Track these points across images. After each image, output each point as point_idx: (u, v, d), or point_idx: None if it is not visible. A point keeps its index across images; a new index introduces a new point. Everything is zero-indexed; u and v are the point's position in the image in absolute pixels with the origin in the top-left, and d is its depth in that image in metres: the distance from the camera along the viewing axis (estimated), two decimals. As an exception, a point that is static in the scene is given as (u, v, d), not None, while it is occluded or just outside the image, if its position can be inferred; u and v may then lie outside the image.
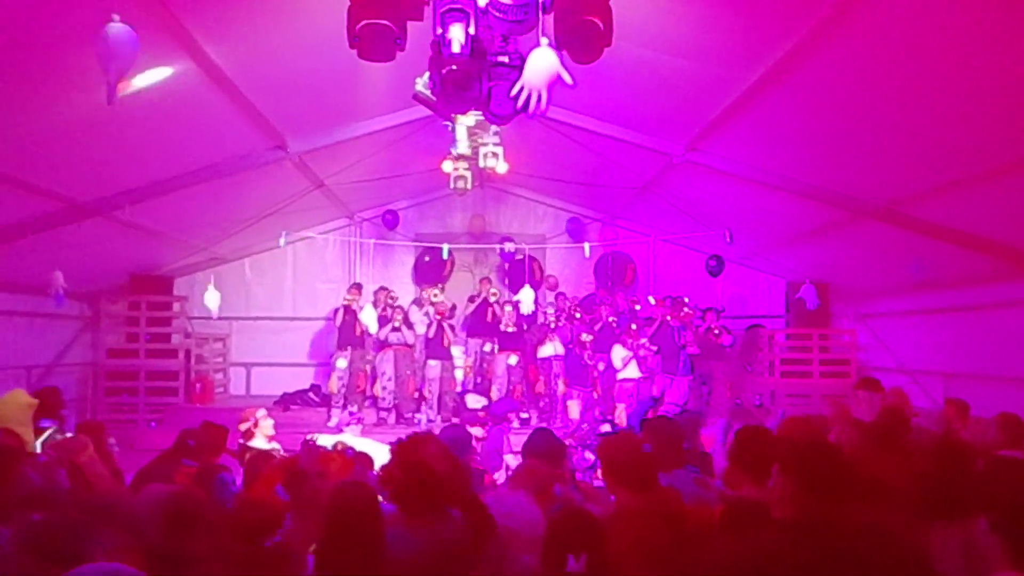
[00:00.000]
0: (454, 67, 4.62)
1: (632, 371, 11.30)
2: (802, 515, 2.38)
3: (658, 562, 2.91)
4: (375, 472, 5.52)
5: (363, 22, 4.51)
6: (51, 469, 3.89)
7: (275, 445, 6.10)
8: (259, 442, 5.94)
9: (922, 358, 11.17)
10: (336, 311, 12.10)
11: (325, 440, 6.25)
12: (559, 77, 3.94)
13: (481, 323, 12.48)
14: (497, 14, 3.99)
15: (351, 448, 5.71)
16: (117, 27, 3.11)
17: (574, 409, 11.55)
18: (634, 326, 11.60)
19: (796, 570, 2.20)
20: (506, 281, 13.57)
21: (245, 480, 4.61)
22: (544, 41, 3.94)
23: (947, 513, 3.13)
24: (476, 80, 4.65)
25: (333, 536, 2.90)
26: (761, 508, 2.58)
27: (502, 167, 8.31)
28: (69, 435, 5.51)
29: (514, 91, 3.97)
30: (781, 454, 2.51)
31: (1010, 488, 2.19)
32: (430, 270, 13.42)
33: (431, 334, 11.85)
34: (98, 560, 2.73)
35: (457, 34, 4.03)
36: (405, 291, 13.40)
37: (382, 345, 11.94)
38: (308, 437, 4.76)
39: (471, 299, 12.78)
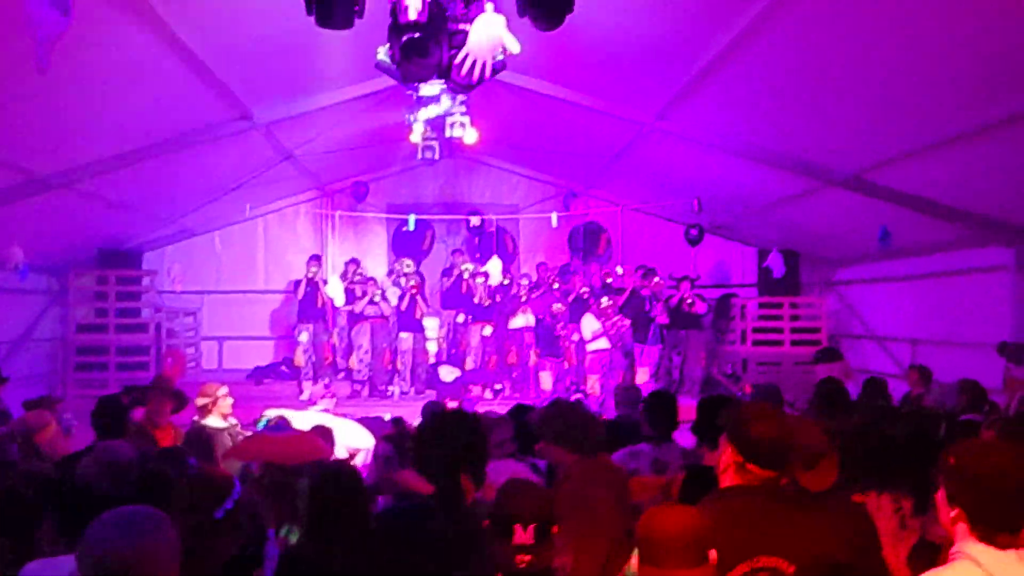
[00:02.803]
0: (416, 35, 4.55)
1: (601, 343, 11.35)
2: (741, 483, 2.41)
3: (602, 527, 2.94)
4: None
5: (320, -12, 4.44)
6: (3, 443, 3.86)
7: (233, 422, 6.03)
8: (214, 420, 5.85)
9: (890, 324, 11.30)
10: (297, 284, 12.05)
11: (290, 415, 6.24)
12: (504, 44, 3.90)
13: (456, 295, 12.46)
14: (452, -21, 3.94)
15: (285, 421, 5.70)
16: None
17: (546, 380, 11.59)
18: (606, 300, 11.60)
19: (729, 535, 2.23)
20: (477, 255, 13.52)
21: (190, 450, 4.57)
22: (489, 8, 3.89)
23: (886, 479, 3.17)
24: (436, 47, 4.58)
25: (319, 519, 2.96)
26: (711, 475, 2.60)
27: (470, 137, 8.22)
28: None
29: (458, 59, 3.92)
30: (724, 423, 2.52)
31: (966, 454, 2.19)
32: (408, 241, 13.33)
33: (404, 306, 11.82)
34: (45, 533, 2.73)
35: (414, 1, 3.96)
36: (377, 263, 13.34)
37: (358, 318, 11.91)
38: (266, 411, 4.75)
39: (445, 273, 12.72)
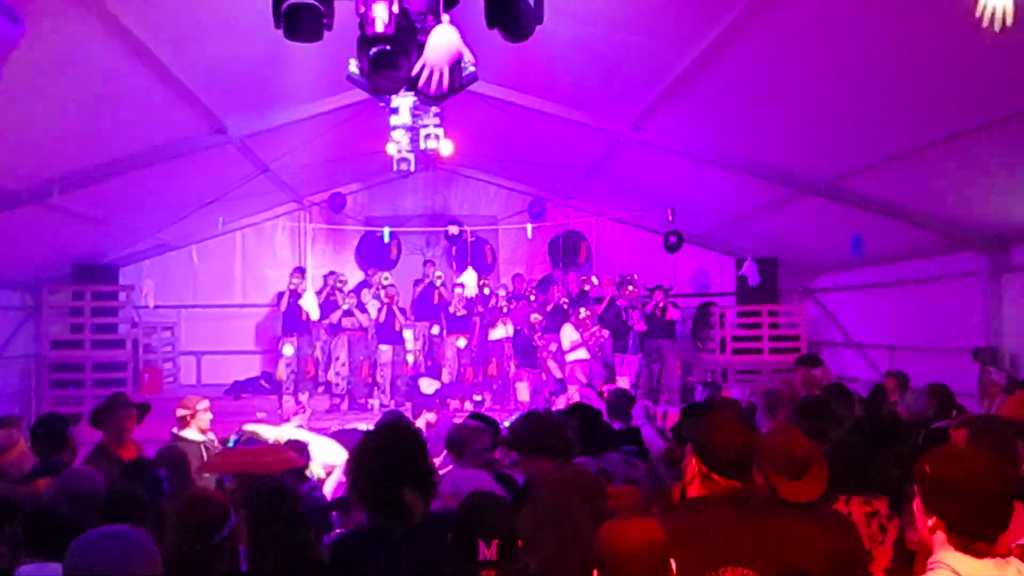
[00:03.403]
0: (385, 47, 4.52)
1: (580, 353, 11.35)
2: (709, 493, 2.39)
3: (578, 537, 2.91)
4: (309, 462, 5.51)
5: (289, 1, 4.41)
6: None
7: (210, 436, 6.00)
8: (191, 433, 5.83)
9: (869, 331, 11.36)
10: (280, 296, 11.98)
11: (266, 430, 6.19)
12: (461, 55, 3.90)
13: (428, 306, 12.42)
14: (416, -10, 3.92)
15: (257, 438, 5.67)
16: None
17: (523, 391, 11.56)
18: (584, 311, 11.60)
19: (693, 546, 2.21)
20: (453, 265, 13.50)
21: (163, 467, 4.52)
22: (446, 19, 3.88)
23: (857, 487, 3.17)
24: (406, 59, 4.55)
25: (256, 535, 2.91)
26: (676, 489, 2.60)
27: (445, 148, 8.20)
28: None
29: (415, 70, 3.91)
30: (688, 433, 2.51)
31: (941, 463, 2.19)
32: (375, 252, 13.29)
33: (382, 318, 11.78)
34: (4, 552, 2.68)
35: (380, 13, 3.94)
36: (356, 276, 13.28)
37: (335, 330, 11.84)
38: (243, 427, 4.71)
39: (416, 283, 12.69)
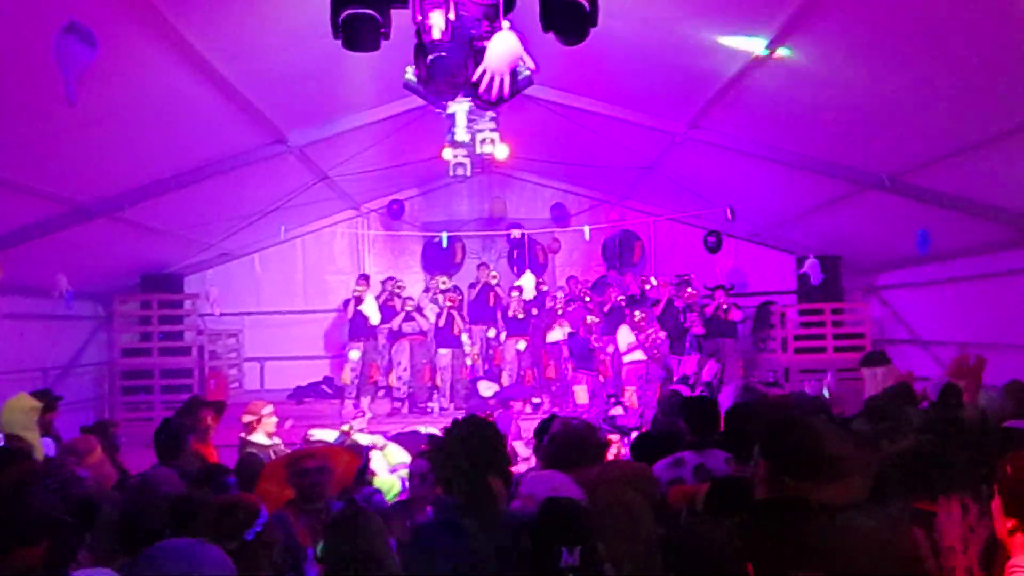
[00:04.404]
0: (441, 54, 4.58)
1: (637, 355, 11.27)
2: (776, 495, 2.35)
3: (638, 530, 2.91)
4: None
5: (347, 12, 4.49)
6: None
7: (276, 441, 6.15)
8: (259, 437, 5.99)
9: (936, 329, 11.05)
10: (347, 303, 12.15)
11: (327, 435, 6.31)
12: (521, 61, 3.93)
13: (483, 308, 12.47)
14: (472, -2, 3.97)
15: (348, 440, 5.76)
16: (71, 27, 3.11)
17: (581, 394, 11.52)
18: (638, 314, 11.51)
19: (763, 549, 2.19)
20: (514, 268, 13.53)
21: (239, 477, 4.63)
22: (506, 25, 3.91)
23: (946, 486, 3.09)
24: (462, 66, 4.60)
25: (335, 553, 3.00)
26: (743, 487, 2.56)
27: (501, 153, 8.25)
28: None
29: (475, 76, 3.94)
30: (759, 433, 2.47)
31: (1019, 465, 2.13)
32: (440, 257, 13.40)
33: (441, 323, 11.88)
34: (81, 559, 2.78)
35: (437, 20, 4.00)
36: (414, 280, 13.42)
37: (396, 335, 11.97)
38: (308, 433, 4.82)
39: (471, 286, 12.75)
